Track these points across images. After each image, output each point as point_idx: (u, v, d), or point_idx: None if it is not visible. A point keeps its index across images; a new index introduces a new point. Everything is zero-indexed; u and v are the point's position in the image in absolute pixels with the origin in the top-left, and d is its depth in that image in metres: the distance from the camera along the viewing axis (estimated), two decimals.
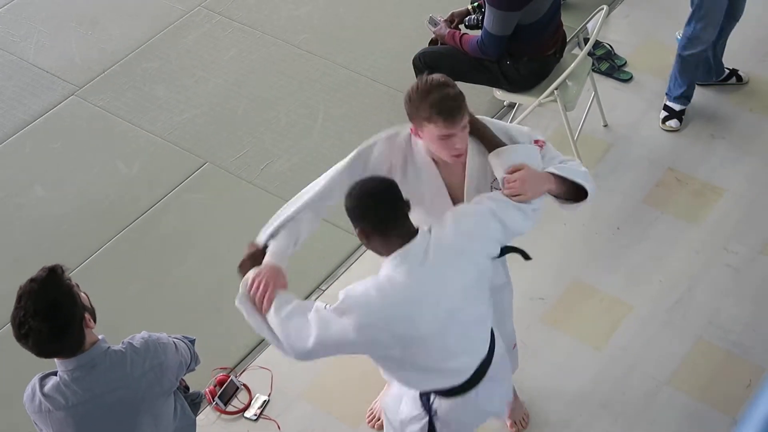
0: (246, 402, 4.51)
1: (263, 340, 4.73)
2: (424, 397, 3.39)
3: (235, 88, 6.07)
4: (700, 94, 5.74)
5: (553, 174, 3.22)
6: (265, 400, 4.51)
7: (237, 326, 4.81)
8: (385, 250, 3.04)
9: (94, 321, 3.08)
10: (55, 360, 3.06)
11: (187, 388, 3.60)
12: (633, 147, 5.49)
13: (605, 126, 5.60)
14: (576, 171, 3.28)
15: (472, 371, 3.29)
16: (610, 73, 5.90)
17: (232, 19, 6.53)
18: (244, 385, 4.56)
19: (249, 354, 4.72)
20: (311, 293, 4.95)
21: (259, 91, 6.04)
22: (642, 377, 4.48)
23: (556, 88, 5.02)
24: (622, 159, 5.43)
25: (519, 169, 3.15)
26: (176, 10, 6.63)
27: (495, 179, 3.28)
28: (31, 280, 2.98)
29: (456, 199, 3.38)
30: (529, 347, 4.58)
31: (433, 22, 5.23)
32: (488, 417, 3.62)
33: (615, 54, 5.98)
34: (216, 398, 4.47)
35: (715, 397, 4.38)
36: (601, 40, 5.97)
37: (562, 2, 5.33)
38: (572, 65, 5.02)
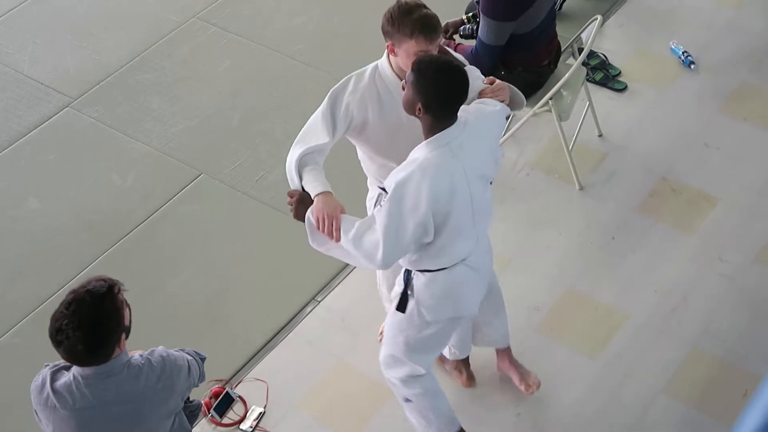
0: (242, 414, 4.50)
1: (258, 351, 4.75)
2: (406, 273, 3.70)
3: (229, 99, 6.08)
4: (694, 104, 5.76)
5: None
6: (260, 412, 4.51)
7: (232, 338, 4.84)
8: (429, 131, 3.37)
9: (127, 338, 3.09)
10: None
11: (187, 398, 3.60)
12: (627, 156, 5.50)
13: (600, 136, 5.61)
14: None
15: (464, 256, 3.60)
16: (604, 83, 5.92)
17: (227, 31, 6.53)
18: (240, 396, 4.56)
19: (244, 366, 4.71)
20: (306, 304, 4.95)
21: (254, 102, 6.04)
22: (637, 386, 4.48)
23: (550, 98, 5.03)
24: (617, 168, 5.44)
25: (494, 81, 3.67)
26: (171, 21, 6.63)
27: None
28: (87, 291, 2.96)
29: None
30: (524, 357, 4.58)
31: None
32: (462, 313, 3.78)
33: (609, 64, 6.00)
34: (212, 410, 4.46)
35: (711, 406, 4.38)
36: (595, 50, 5.99)
37: (556, 12, 5.34)
38: (567, 75, 5.03)
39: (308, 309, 4.93)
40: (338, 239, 3.46)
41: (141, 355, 3.15)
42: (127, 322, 3.07)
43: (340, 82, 3.80)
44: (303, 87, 6.10)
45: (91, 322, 2.92)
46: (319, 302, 4.95)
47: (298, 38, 6.44)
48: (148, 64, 6.36)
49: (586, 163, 5.45)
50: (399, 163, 3.53)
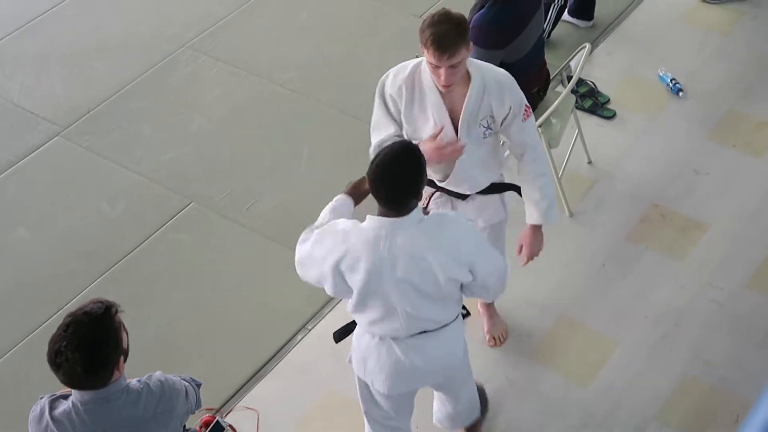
0: None
1: (249, 379, 4.73)
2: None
3: (220, 127, 6.08)
4: (682, 131, 5.78)
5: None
6: None
7: (222, 366, 4.82)
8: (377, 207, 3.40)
9: (125, 361, 3.08)
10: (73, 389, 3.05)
11: (183, 426, 3.58)
12: (617, 183, 5.51)
13: (589, 163, 5.63)
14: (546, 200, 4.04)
15: (382, 333, 3.64)
16: (593, 110, 5.94)
17: (218, 59, 6.55)
18: (230, 425, 4.53)
19: (235, 394, 4.69)
20: (297, 332, 4.93)
21: (245, 130, 6.05)
22: (629, 413, 4.48)
23: (539, 126, 5.05)
24: (607, 195, 5.45)
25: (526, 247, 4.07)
26: (162, 49, 6.64)
27: (486, 116, 3.87)
28: (84, 313, 2.96)
29: (457, 121, 3.87)
30: (516, 384, 4.57)
31: None
32: (371, 384, 3.87)
33: (598, 91, 6.02)
34: None
35: None
36: (584, 78, 6.01)
37: (545, 40, 5.37)
38: (556, 103, 5.05)
39: (299, 337, 4.92)
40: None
41: (139, 380, 3.15)
42: (125, 345, 3.06)
43: (382, 78, 3.95)
44: (293, 115, 6.11)
45: (89, 343, 2.92)
46: (310, 330, 4.94)
47: (288, 67, 6.46)
48: (138, 92, 6.36)
49: (576, 190, 5.46)
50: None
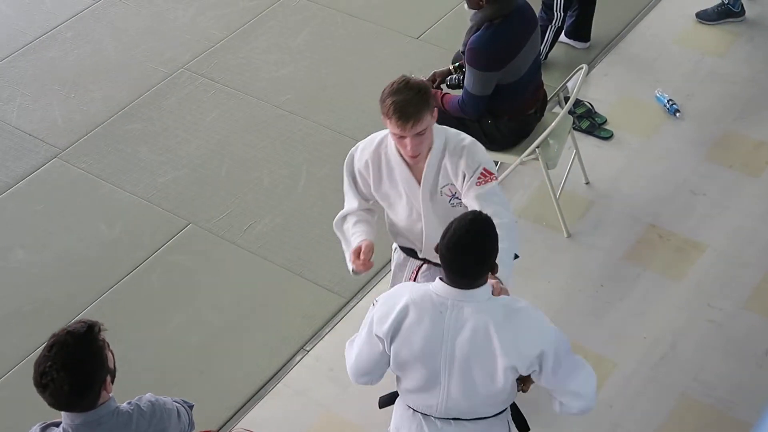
0: None
1: (247, 401, 4.72)
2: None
3: (217, 149, 6.09)
4: (678, 150, 5.79)
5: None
6: None
7: (220, 388, 4.81)
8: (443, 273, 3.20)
9: (113, 382, 3.07)
10: (62, 412, 3.03)
11: None
12: (614, 204, 5.52)
13: (587, 183, 5.64)
14: (508, 250, 3.56)
15: (420, 407, 3.41)
16: (590, 131, 5.95)
17: (215, 81, 6.56)
18: None
19: (233, 416, 4.68)
20: (295, 354, 4.93)
21: (242, 151, 6.06)
22: None
23: (537, 147, 5.06)
24: (604, 216, 5.46)
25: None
26: (159, 72, 6.66)
27: (447, 184, 3.72)
28: (68, 332, 2.96)
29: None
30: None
31: None
32: None
33: (595, 112, 6.04)
34: None
35: None
36: (581, 99, 6.03)
37: (542, 62, 5.39)
38: (553, 124, 5.06)
39: (297, 359, 4.91)
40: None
41: (129, 403, 3.13)
42: (111, 365, 3.05)
43: (355, 145, 3.93)
44: (290, 136, 6.12)
45: (74, 362, 2.91)
46: (308, 352, 4.93)
47: (286, 88, 6.47)
48: (135, 114, 6.37)
49: (573, 210, 5.46)
50: (402, 233, 3.71)
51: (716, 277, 5.11)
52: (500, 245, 3.20)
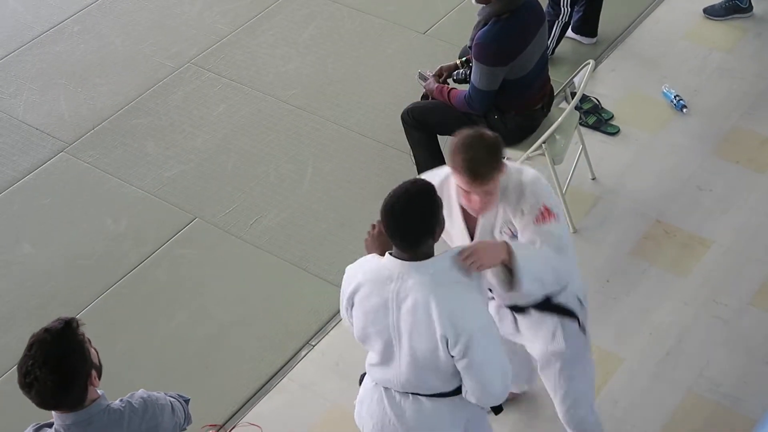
0: None
1: (253, 395, 4.73)
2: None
3: (224, 143, 6.09)
4: (685, 146, 5.79)
5: (508, 247, 3.35)
6: None
7: (226, 382, 4.81)
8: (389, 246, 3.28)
9: (100, 378, 3.06)
10: (53, 412, 3.03)
11: None
12: (620, 200, 5.52)
13: (593, 179, 5.63)
14: (532, 261, 3.39)
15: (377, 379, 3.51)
16: (597, 127, 5.94)
17: (221, 76, 6.57)
18: None
19: (239, 410, 4.69)
20: (301, 348, 4.93)
21: (248, 146, 6.06)
22: (632, 430, 4.46)
23: (544, 142, 5.06)
24: (610, 212, 5.45)
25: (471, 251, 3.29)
26: (166, 66, 6.67)
27: (505, 224, 3.54)
28: (45, 330, 2.96)
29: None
30: (521, 402, 4.56)
31: (422, 77, 5.28)
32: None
33: (602, 107, 6.03)
34: None
35: None
36: (588, 94, 6.02)
37: (549, 57, 5.38)
38: (560, 119, 5.06)
39: (302, 353, 4.92)
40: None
41: (121, 400, 3.12)
42: (96, 360, 3.04)
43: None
44: (297, 131, 6.13)
45: (55, 357, 2.90)
46: (314, 346, 4.94)
47: (292, 83, 6.47)
48: (142, 108, 6.38)
49: (579, 206, 5.46)
50: None
51: (722, 273, 5.11)
52: (529, 258, 3.33)
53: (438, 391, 3.39)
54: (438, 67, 5.29)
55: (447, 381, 3.35)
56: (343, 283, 3.43)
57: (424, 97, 5.33)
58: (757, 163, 5.67)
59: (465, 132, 3.40)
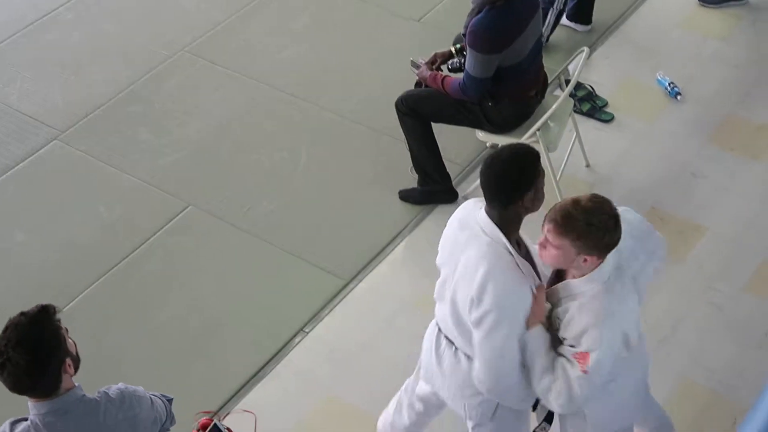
0: None
1: (247, 382, 4.72)
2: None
3: (218, 131, 6.08)
4: (679, 133, 5.78)
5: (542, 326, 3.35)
6: None
7: (220, 369, 4.81)
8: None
9: (76, 369, 3.05)
10: (28, 403, 3.02)
11: None
12: (615, 187, 5.51)
13: (587, 166, 5.62)
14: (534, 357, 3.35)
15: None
16: (591, 114, 5.94)
17: (216, 64, 6.55)
18: (228, 428, 4.50)
19: (232, 397, 4.68)
20: (294, 335, 4.93)
21: (242, 134, 6.05)
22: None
23: (538, 129, 5.05)
24: None
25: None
26: (160, 54, 6.65)
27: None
28: (21, 314, 2.96)
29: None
30: None
31: (415, 65, 5.26)
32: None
33: (596, 95, 6.02)
34: None
35: None
36: (582, 82, 6.01)
37: (543, 44, 5.37)
38: (554, 106, 5.05)
39: (296, 340, 4.91)
40: None
41: (98, 391, 3.11)
42: (72, 350, 3.03)
43: None
44: (291, 119, 6.11)
45: (29, 339, 2.90)
46: (307, 333, 4.93)
47: (287, 71, 6.46)
48: (136, 96, 6.36)
49: (574, 193, 5.32)
50: None
51: (717, 259, 5.11)
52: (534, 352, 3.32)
53: (460, 348, 3.52)
54: (432, 54, 5.27)
55: (469, 345, 3.44)
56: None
57: (418, 84, 5.32)
58: (751, 151, 5.67)
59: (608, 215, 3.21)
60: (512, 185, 3.29)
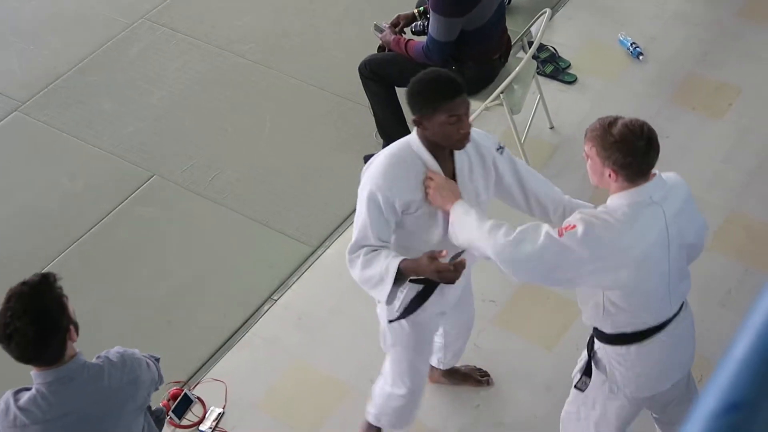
0: (201, 415, 4.48)
1: (216, 351, 4.73)
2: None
3: (180, 99, 6.04)
4: (642, 93, 5.81)
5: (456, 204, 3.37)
6: (219, 413, 4.49)
7: (189, 339, 4.81)
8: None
9: (77, 335, 3.06)
10: (32, 373, 3.02)
11: (149, 406, 3.57)
12: (579, 148, 5.43)
13: (551, 128, 5.65)
14: (471, 226, 3.37)
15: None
16: (554, 76, 5.95)
17: (176, 31, 6.49)
18: (198, 398, 4.53)
19: (202, 366, 4.69)
20: (263, 303, 4.93)
21: (205, 102, 6.01)
22: None
23: (501, 92, 5.06)
24: (569, 161, 5.47)
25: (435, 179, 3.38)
26: (119, 22, 6.58)
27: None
28: (23, 283, 2.95)
29: None
30: (482, 350, 4.60)
31: (378, 29, 5.24)
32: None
33: (559, 56, 6.04)
34: (170, 412, 4.43)
35: None
36: (545, 43, 6.02)
37: (506, 7, 5.37)
38: (517, 69, 5.05)
39: (265, 308, 4.92)
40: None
41: (98, 357, 3.13)
42: (73, 316, 3.03)
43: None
44: (254, 86, 6.08)
45: (35, 307, 2.90)
46: (276, 301, 4.94)
47: (248, 37, 6.42)
48: (97, 66, 6.30)
49: (538, 155, 5.47)
50: None
51: None
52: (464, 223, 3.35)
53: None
54: (396, 16, 5.25)
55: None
56: None
57: (381, 48, 5.31)
58: (713, 109, 5.71)
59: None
60: (410, 102, 3.34)
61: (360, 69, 5.28)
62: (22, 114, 5.99)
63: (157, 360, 3.43)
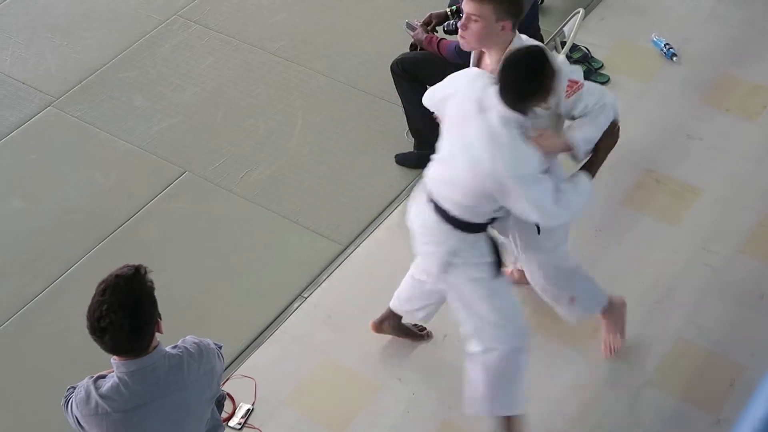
0: (230, 411, 4.50)
1: (246, 348, 4.74)
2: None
3: (212, 96, 6.06)
4: (676, 96, 5.78)
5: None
6: (248, 409, 4.50)
7: (219, 335, 4.79)
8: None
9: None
10: (113, 361, 3.03)
11: None
12: None
13: None
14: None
15: None
16: (587, 76, 5.86)
17: (209, 28, 6.51)
18: (228, 394, 4.54)
19: (232, 363, 4.70)
20: (293, 300, 4.94)
21: (237, 99, 6.03)
22: (625, 378, 4.50)
23: None
24: None
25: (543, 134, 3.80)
26: (152, 19, 6.60)
27: None
28: (117, 276, 2.98)
29: None
30: None
31: (410, 27, 5.23)
32: None
33: (591, 57, 6.01)
34: None
35: (697, 397, 4.41)
36: (577, 44, 5.99)
37: (539, 6, 5.35)
38: None
39: (295, 305, 4.93)
40: None
41: (174, 346, 3.15)
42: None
43: None
44: (286, 83, 6.09)
45: (130, 301, 2.94)
46: (306, 299, 4.95)
47: (280, 35, 6.43)
48: (129, 62, 6.33)
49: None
50: None
51: (712, 221, 5.12)
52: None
53: (461, 218, 3.79)
54: (428, 14, 5.24)
55: (464, 211, 3.77)
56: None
57: (413, 47, 5.30)
58: (747, 111, 5.67)
59: None
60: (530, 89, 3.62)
61: (392, 67, 5.28)
62: (55, 109, 6.03)
63: (220, 347, 3.45)
